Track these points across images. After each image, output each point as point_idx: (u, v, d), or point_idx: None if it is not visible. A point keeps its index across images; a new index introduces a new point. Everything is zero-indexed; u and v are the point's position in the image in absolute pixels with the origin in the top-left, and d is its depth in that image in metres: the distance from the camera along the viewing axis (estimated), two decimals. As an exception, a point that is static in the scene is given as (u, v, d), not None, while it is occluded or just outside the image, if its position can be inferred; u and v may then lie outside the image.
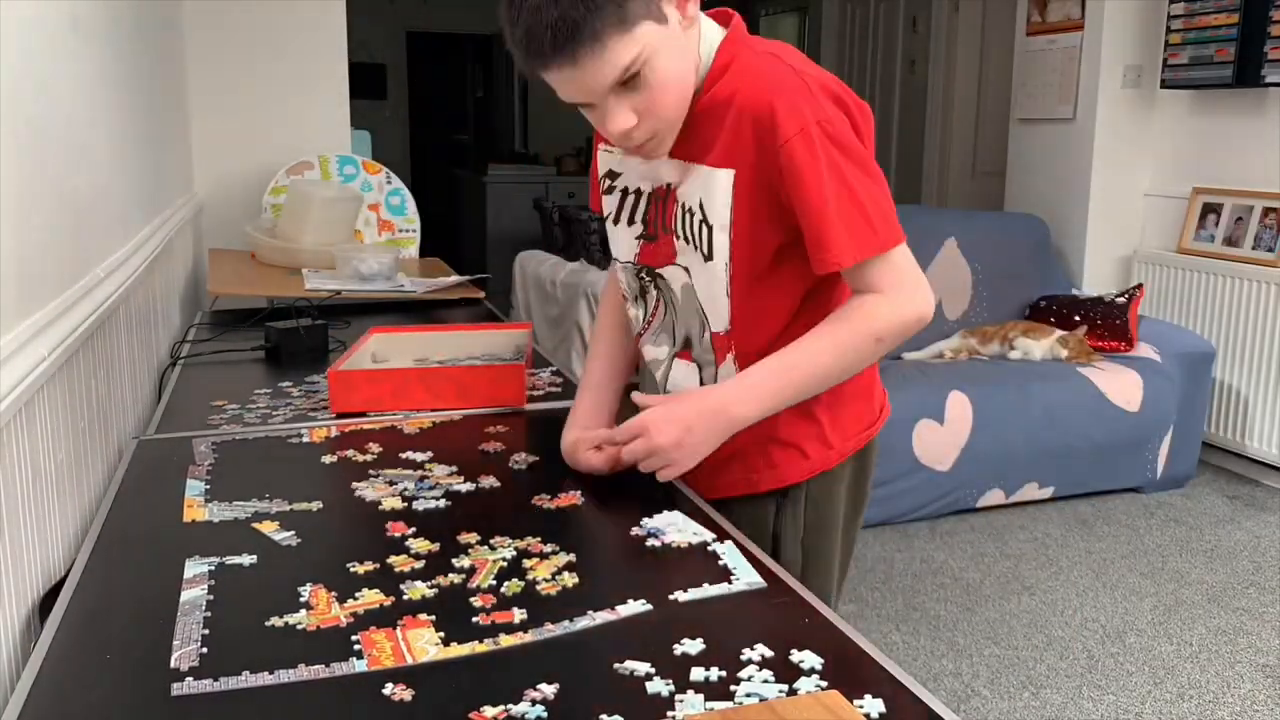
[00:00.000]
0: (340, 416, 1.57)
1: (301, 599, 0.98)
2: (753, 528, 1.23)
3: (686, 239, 1.23)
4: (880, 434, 1.38)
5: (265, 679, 0.83)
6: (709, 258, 1.21)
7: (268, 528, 1.14)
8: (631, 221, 1.30)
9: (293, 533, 1.13)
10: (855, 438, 1.33)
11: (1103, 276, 4.22)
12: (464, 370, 1.64)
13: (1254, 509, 3.51)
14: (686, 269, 1.26)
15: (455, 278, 2.59)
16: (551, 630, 0.91)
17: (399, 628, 0.91)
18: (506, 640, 0.90)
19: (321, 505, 1.21)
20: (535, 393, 1.71)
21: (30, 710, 0.81)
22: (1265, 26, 3.52)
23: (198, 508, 1.20)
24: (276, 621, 0.93)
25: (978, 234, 4.01)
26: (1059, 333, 3.63)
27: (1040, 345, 3.60)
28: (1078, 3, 4.10)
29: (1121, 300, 3.74)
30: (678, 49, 1.11)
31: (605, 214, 1.35)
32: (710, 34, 1.19)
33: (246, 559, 1.06)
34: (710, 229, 1.19)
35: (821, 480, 1.31)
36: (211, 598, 0.98)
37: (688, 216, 1.21)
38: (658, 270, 1.29)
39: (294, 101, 3.33)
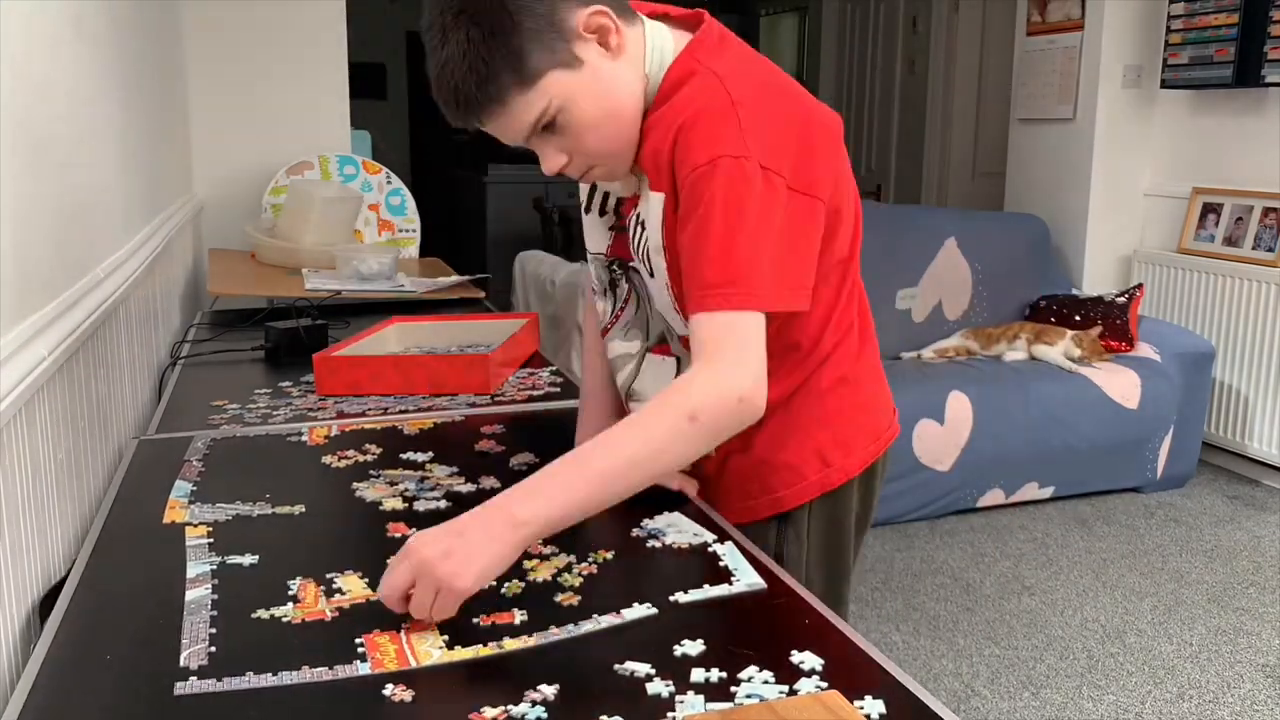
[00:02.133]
0: (341, 416, 1.57)
1: (290, 592, 0.99)
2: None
3: (636, 251, 1.20)
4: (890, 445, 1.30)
5: (268, 679, 0.83)
6: (652, 275, 1.19)
7: (264, 529, 1.14)
8: (604, 211, 1.25)
9: (255, 557, 1.09)
10: (860, 454, 1.26)
11: (1103, 276, 4.22)
12: (436, 359, 1.73)
13: (1254, 509, 3.51)
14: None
15: (455, 278, 2.59)
16: (556, 635, 0.91)
17: (403, 630, 0.91)
18: (511, 644, 0.89)
19: (319, 509, 1.21)
20: (535, 392, 1.71)
21: (30, 710, 0.81)
22: (1265, 26, 3.52)
23: (180, 509, 1.20)
24: (263, 614, 0.94)
25: (978, 234, 4.01)
26: (1071, 333, 3.62)
27: (1056, 349, 3.58)
28: (1078, 3, 4.10)
29: (1121, 300, 3.74)
30: (599, 88, 1.08)
31: (581, 201, 1.30)
32: (664, 46, 1.13)
33: (247, 559, 1.07)
34: (649, 248, 1.16)
35: (824, 501, 1.24)
36: (216, 597, 0.98)
37: (639, 229, 1.17)
38: (630, 264, 1.24)
39: (294, 101, 3.33)
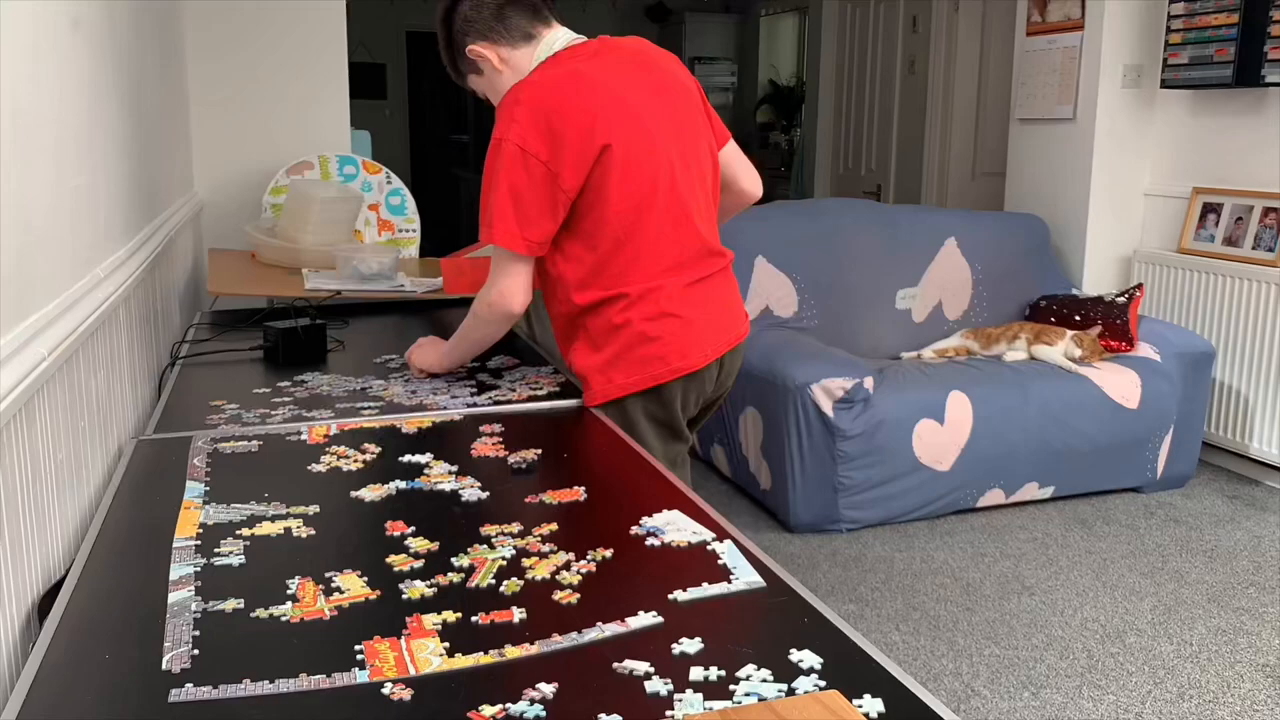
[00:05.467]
0: (340, 416, 1.57)
1: (289, 591, 0.98)
2: None
3: None
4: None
5: (265, 688, 0.83)
6: None
7: (265, 529, 1.14)
8: None
9: (283, 527, 1.13)
10: (637, 378, 1.67)
11: (1103, 276, 4.22)
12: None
13: (1254, 509, 3.51)
14: None
15: (455, 278, 2.59)
16: (559, 642, 0.90)
17: (404, 638, 0.91)
18: (513, 652, 0.88)
19: (319, 509, 1.21)
20: (535, 391, 1.72)
21: (30, 710, 0.81)
22: (1265, 26, 3.52)
23: (195, 509, 1.20)
24: (262, 613, 0.94)
25: (978, 234, 4.01)
26: (1071, 333, 3.62)
27: (1056, 349, 3.58)
28: (1078, 3, 4.10)
29: (1121, 300, 3.74)
30: (493, 81, 1.78)
31: None
32: (542, 54, 1.73)
33: (236, 560, 1.06)
34: None
35: (612, 407, 1.67)
36: (201, 599, 0.98)
37: None
38: None
39: (294, 101, 3.33)
